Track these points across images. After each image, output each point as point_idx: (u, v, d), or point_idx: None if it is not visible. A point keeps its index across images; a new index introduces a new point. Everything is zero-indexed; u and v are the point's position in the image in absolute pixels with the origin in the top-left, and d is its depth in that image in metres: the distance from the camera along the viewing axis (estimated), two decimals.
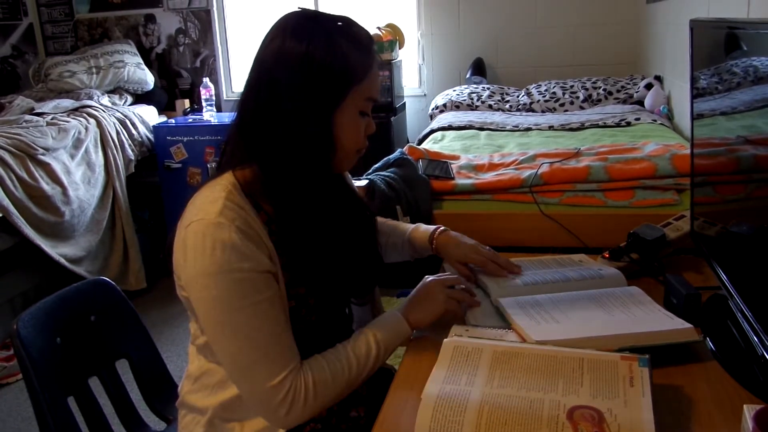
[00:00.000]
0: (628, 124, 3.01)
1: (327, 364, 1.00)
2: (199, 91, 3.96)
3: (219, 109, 3.97)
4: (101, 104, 3.57)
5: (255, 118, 1.01)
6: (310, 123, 0.98)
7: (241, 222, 0.95)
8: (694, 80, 1.32)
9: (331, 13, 1.05)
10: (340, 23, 1.01)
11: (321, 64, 0.97)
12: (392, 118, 3.78)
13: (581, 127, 3.05)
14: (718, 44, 1.23)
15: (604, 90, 3.63)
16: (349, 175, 1.28)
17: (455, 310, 1.14)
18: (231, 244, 0.93)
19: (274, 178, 1.00)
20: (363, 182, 1.94)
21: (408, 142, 3.92)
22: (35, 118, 3.17)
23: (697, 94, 1.32)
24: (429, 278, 1.18)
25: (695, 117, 1.34)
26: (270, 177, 1.01)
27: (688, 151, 1.93)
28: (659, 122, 2.97)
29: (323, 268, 1.05)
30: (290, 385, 0.95)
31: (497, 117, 3.42)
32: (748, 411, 0.75)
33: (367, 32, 1.05)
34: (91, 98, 3.60)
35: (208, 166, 3.50)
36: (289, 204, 1.01)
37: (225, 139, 1.08)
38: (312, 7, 1.21)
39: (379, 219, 1.43)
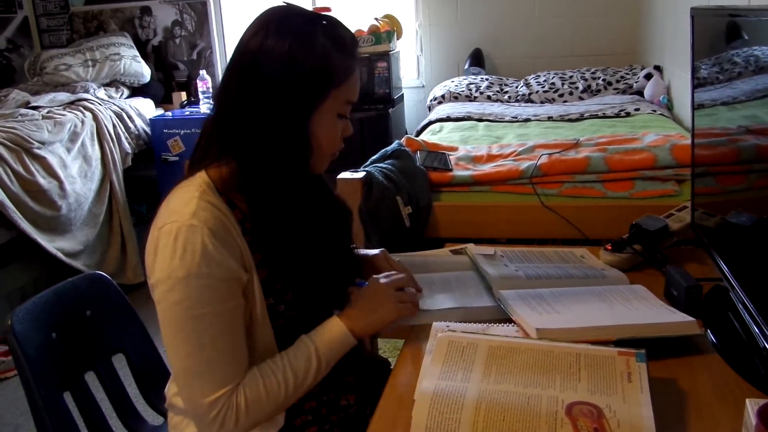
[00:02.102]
0: (628, 114, 2.99)
1: (263, 381, 0.97)
2: (196, 84, 3.94)
3: None
4: (97, 97, 3.55)
5: (232, 114, 0.98)
6: (287, 123, 0.97)
7: (214, 223, 0.94)
8: (694, 70, 1.31)
9: (317, 11, 1.02)
10: (324, 22, 0.99)
11: (302, 64, 0.95)
12: (390, 110, 3.76)
13: (580, 118, 3.03)
14: (719, 33, 1.21)
15: (604, 80, 3.61)
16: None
17: (407, 315, 1.09)
18: (202, 248, 0.91)
19: (250, 175, 0.99)
20: (360, 174, 1.92)
21: (406, 133, 3.90)
22: (31, 111, 3.15)
23: (697, 83, 1.31)
24: (377, 279, 1.11)
25: (696, 107, 1.32)
26: (246, 173, 0.99)
27: (688, 142, 1.92)
28: (659, 112, 2.96)
29: (299, 263, 1.03)
30: (223, 404, 0.94)
31: (496, 108, 3.40)
32: (751, 405, 0.74)
33: (351, 34, 1.03)
34: (87, 91, 3.58)
35: None
36: (265, 201, 1.00)
37: (200, 133, 1.05)
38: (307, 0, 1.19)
39: None
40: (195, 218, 0.93)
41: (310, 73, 0.96)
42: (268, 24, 0.97)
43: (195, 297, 0.92)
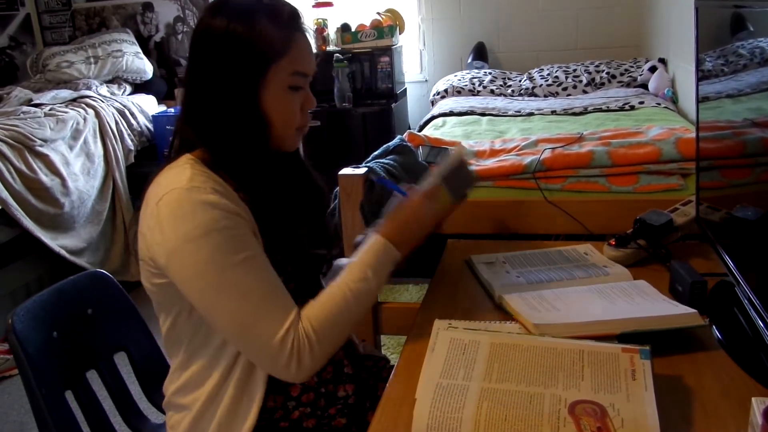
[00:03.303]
0: (632, 107, 2.97)
1: (323, 307, 0.97)
2: None
3: None
4: (100, 94, 3.55)
5: (195, 101, 1.02)
6: (235, 101, 0.99)
7: (213, 185, 0.95)
8: (699, 62, 1.29)
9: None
10: (265, 1, 1.01)
11: (239, 41, 0.97)
12: (393, 105, 3.75)
13: (584, 112, 3.01)
14: (724, 25, 1.20)
15: (608, 73, 3.59)
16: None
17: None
18: (212, 202, 0.92)
19: (222, 158, 1.00)
20: (362, 170, 1.91)
21: (409, 128, 3.88)
22: (33, 109, 3.15)
23: (702, 76, 1.30)
24: (413, 192, 1.13)
25: (700, 100, 1.31)
26: (218, 157, 1.00)
27: (693, 135, 1.90)
28: (663, 106, 2.93)
29: (280, 235, 1.04)
30: (294, 337, 0.92)
31: (499, 102, 3.38)
32: (757, 404, 0.73)
33: (290, 6, 1.04)
34: (89, 88, 3.58)
35: None
36: (241, 178, 1.01)
37: (174, 125, 1.08)
38: None
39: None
40: (194, 181, 0.93)
41: (247, 50, 0.98)
42: (210, 7, 1.00)
43: (223, 249, 0.91)
